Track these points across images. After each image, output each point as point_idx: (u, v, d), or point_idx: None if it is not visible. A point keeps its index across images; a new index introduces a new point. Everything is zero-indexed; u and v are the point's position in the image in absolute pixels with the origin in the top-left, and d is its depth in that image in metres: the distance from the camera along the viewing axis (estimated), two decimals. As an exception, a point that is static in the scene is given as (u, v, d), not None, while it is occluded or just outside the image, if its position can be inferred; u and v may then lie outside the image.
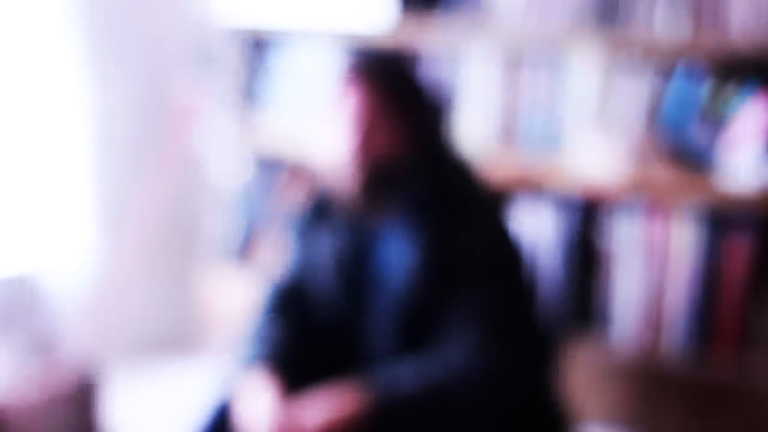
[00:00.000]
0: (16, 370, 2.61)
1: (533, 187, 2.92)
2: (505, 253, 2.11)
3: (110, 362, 2.82)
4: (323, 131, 2.16)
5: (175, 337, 3.50)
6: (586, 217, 2.90)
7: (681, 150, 2.77)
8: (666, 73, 2.79)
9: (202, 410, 2.17)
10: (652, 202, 2.79)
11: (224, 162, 3.45)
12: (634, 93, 2.82)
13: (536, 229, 2.93)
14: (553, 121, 2.92)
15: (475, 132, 3.01)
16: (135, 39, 3.32)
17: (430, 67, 3.04)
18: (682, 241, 2.76)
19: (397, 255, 2.07)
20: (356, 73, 2.11)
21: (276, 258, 2.38)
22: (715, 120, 2.72)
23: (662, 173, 2.77)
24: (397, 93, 2.12)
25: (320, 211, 2.22)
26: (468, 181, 2.15)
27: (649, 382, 2.81)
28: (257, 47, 3.39)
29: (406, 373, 2.00)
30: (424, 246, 2.04)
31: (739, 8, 2.70)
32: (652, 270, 2.80)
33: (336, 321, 2.17)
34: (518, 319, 2.09)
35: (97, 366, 2.59)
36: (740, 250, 2.71)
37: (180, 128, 3.40)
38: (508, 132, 3.00)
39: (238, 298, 3.27)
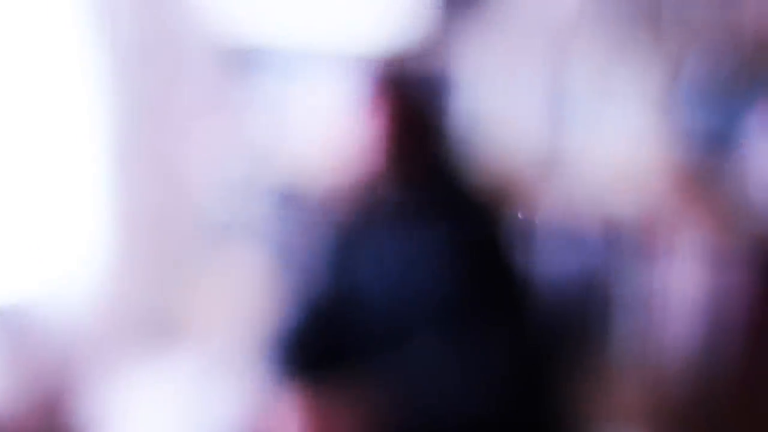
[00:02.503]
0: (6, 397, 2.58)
1: (542, 206, 2.92)
2: (511, 273, 2.17)
3: (106, 355, 2.81)
4: (347, 149, 2.18)
5: (170, 334, 3.48)
6: (597, 247, 2.89)
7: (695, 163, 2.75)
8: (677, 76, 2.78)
9: (200, 413, 2.16)
10: (662, 234, 2.78)
11: (231, 181, 3.44)
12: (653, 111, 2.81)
13: (545, 255, 2.92)
14: (564, 137, 2.92)
15: (490, 146, 3.00)
16: (147, 57, 3.33)
17: (443, 83, 3.03)
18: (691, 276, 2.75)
19: (413, 271, 2.10)
20: (384, 90, 2.15)
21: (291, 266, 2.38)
22: (730, 126, 2.71)
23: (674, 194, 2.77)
24: (421, 109, 2.19)
25: (352, 227, 2.23)
26: (478, 202, 2.20)
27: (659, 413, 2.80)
28: (270, 68, 3.38)
29: (432, 383, 2.02)
30: (439, 264, 2.09)
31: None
32: (662, 305, 2.79)
33: (368, 331, 2.17)
34: (524, 338, 2.13)
35: (86, 367, 2.57)
36: (758, 284, 2.70)
37: (188, 147, 3.41)
38: (528, 150, 3.00)
39: (238, 296, 3.26)
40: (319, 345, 2.18)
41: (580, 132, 2.91)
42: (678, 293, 2.77)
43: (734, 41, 2.68)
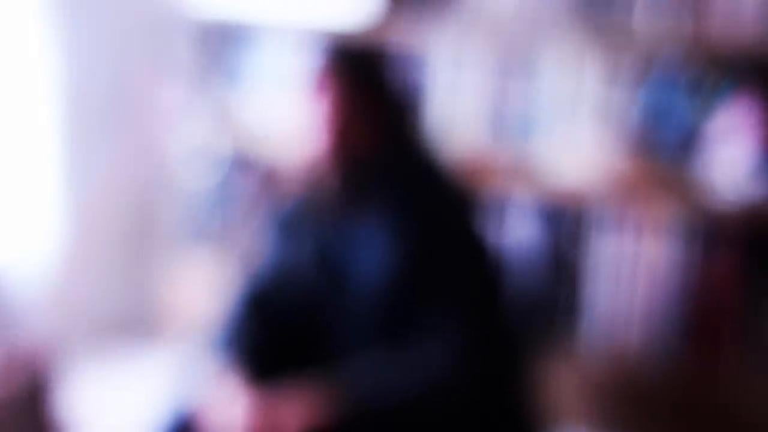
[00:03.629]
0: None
1: (508, 187, 2.90)
2: (477, 251, 2.12)
3: (69, 349, 2.79)
4: (297, 127, 2.15)
5: (134, 324, 3.47)
6: (563, 222, 2.87)
7: (659, 150, 2.74)
8: (645, 68, 2.76)
9: (163, 407, 2.14)
10: (627, 207, 2.76)
11: (193, 153, 3.41)
12: (612, 88, 2.79)
13: (512, 232, 2.90)
14: (531, 118, 2.90)
15: (454, 129, 2.98)
16: (104, 27, 3.28)
17: (407, 64, 3.00)
18: (658, 251, 2.73)
19: (372, 252, 2.06)
20: (332, 69, 2.10)
21: (242, 251, 2.36)
22: (696, 120, 2.70)
23: (638, 175, 2.75)
24: (371, 90, 2.12)
25: (298, 209, 2.21)
26: (440, 179, 2.15)
27: (625, 391, 2.79)
28: (229, 40, 3.35)
29: (382, 371, 1.98)
30: (398, 243, 2.03)
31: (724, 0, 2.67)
32: (628, 281, 2.77)
33: (311, 316, 2.15)
34: (490, 319, 2.08)
35: (51, 360, 2.55)
36: (721, 261, 2.69)
37: (148, 117, 3.38)
38: (487, 129, 2.97)
39: (199, 286, 3.25)
40: (261, 331, 2.15)
41: (544, 111, 2.88)
42: (640, 268, 2.76)
43: (701, 44, 2.67)
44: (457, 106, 2.99)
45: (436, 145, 2.23)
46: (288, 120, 2.47)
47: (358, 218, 2.10)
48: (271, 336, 2.16)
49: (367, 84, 2.12)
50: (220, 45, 3.36)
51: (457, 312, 2.00)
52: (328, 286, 2.12)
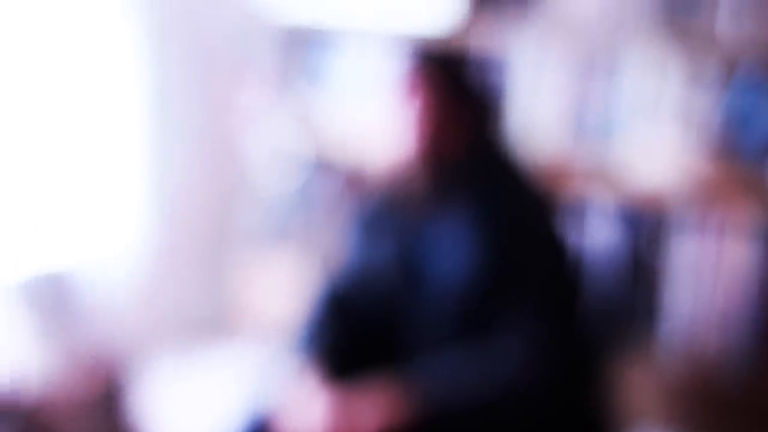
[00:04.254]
0: (50, 370, 2.61)
1: (589, 189, 2.89)
2: (556, 254, 2.12)
3: (150, 350, 2.82)
4: (385, 130, 2.16)
5: (216, 325, 3.50)
6: (643, 225, 2.86)
7: (740, 153, 2.72)
8: (727, 71, 2.74)
9: (242, 408, 2.16)
10: (708, 210, 2.74)
11: (275, 155, 3.44)
12: (694, 91, 2.78)
13: (592, 235, 2.89)
14: (612, 120, 2.89)
15: (536, 132, 2.98)
16: (190, 32, 3.33)
17: (489, 66, 3.00)
18: (739, 255, 2.71)
19: (453, 253, 2.07)
20: (422, 73, 2.12)
21: (324, 252, 2.37)
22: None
23: (719, 178, 2.73)
24: (459, 93, 2.13)
25: (380, 210, 2.22)
26: (521, 182, 2.15)
27: (702, 395, 2.77)
28: (312, 45, 3.37)
29: (460, 371, 1.99)
30: (479, 244, 2.05)
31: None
32: (708, 284, 2.75)
33: (390, 316, 2.16)
34: (568, 321, 2.09)
35: (130, 361, 2.59)
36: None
37: (232, 121, 3.40)
38: (568, 131, 2.97)
39: (280, 287, 3.26)
40: (341, 331, 2.17)
41: (625, 113, 2.87)
42: (720, 272, 2.74)
43: None
44: (538, 109, 2.98)
45: (517, 147, 2.24)
46: (374, 123, 2.49)
47: (439, 219, 2.11)
48: (351, 336, 2.18)
49: (455, 87, 2.13)
50: (303, 49, 3.37)
51: (535, 313, 2.00)
52: (408, 287, 2.14)
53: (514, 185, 2.14)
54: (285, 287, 3.25)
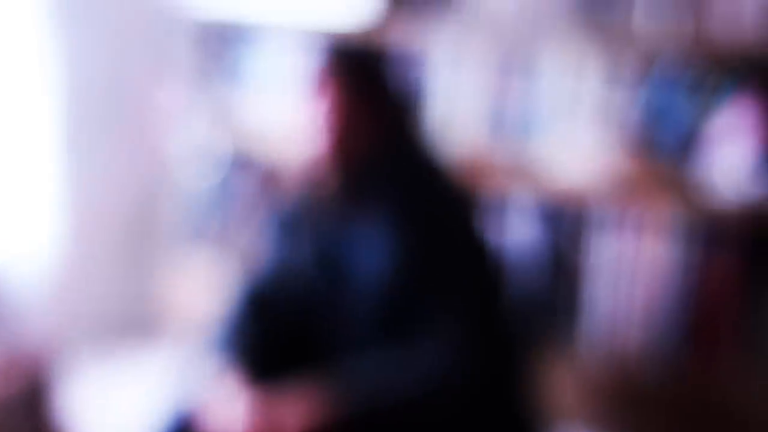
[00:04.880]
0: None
1: (508, 186, 2.90)
2: (476, 251, 2.11)
3: (70, 349, 2.79)
4: (298, 127, 2.14)
5: (134, 324, 3.47)
6: (563, 222, 2.86)
7: (659, 150, 2.73)
8: (645, 68, 2.75)
9: (163, 407, 2.13)
10: (627, 207, 2.76)
11: (193, 154, 3.40)
12: (612, 88, 2.79)
13: (511, 232, 2.89)
14: (531, 118, 2.89)
15: (454, 129, 2.97)
16: (104, 27, 3.28)
17: (406, 63, 2.99)
18: (658, 251, 2.73)
19: (372, 252, 2.06)
20: (332, 69, 2.10)
21: (243, 252, 2.35)
22: (696, 120, 2.69)
23: (638, 175, 2.74)
24: (372, 90, 2.12)
25: (298, 209, 2.21)
26: (440, 179, 2.15)
27: (624, 392, 2.79)
28: (229, 40, 3.34)
29: (381, 371, 1.98)
30: (398, 242, 2.03)
31: (724, 1, 2.67)
32: (628, 281, 2.77)
33: (310, 316, 2.15)
34: (490, 319, 2.08)
35: (51, 360, 2.54)
36: (721, 262, 2.68)
37: (148, 118, 3.37)
38: (487, 129, 2.97)
39: (199, 286, 3.24)
40: (261, 330, 2.15)
41: (544, 110, 2.88)
42: (640, 268, 2.75)
43: (701, 45, 2.67)
44: (456, 106, 2.98)
45: (435, 144, 2.23)
46: (288, 120, 2.47)
47: (358, 218, 2.10)
48: (270, 336, 2.16)
49: (368, 84, 2.12)
50: (220, 45, 3.36)
51: (456, 311, 2.00)
52: (328, 286, 2.12)
53: (433, 183, 2.14)
54: (204, 286, 3.22)
